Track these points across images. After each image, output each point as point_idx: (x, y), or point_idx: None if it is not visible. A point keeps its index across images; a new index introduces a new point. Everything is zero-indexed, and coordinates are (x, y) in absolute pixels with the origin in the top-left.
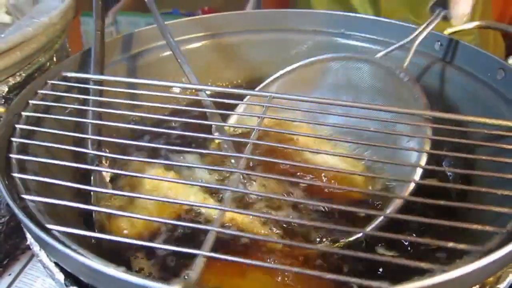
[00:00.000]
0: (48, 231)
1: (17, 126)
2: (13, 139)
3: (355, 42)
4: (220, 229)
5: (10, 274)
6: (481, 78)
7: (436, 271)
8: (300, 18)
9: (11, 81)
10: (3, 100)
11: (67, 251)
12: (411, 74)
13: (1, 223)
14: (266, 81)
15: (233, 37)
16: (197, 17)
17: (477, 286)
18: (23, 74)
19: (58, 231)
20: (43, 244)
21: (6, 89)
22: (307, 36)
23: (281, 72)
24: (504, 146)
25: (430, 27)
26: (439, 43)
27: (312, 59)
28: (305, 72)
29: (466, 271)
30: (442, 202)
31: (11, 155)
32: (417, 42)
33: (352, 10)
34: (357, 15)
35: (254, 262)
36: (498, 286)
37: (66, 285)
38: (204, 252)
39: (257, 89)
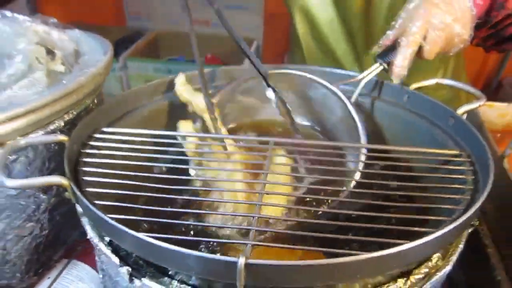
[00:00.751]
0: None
1: (82, 151)
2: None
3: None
4: (258, 228)
5: (49, 278)
6: (437, 123)
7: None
8: None
9: (66, 117)
10: (59, 131)
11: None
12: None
13: (42, 235)
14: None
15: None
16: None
17: (422, 274)
18: (74, 112)
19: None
20: (106, 229)
21: (63, 123)
22: None
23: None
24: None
25: (374, 73)
26: (407, 95)
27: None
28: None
29: (431, 238)
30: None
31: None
32: (363, 82)
33: (341, 67)
34: (343, 72)
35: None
36: (436, 273)
37: (121, 266)
38: (252, 242)
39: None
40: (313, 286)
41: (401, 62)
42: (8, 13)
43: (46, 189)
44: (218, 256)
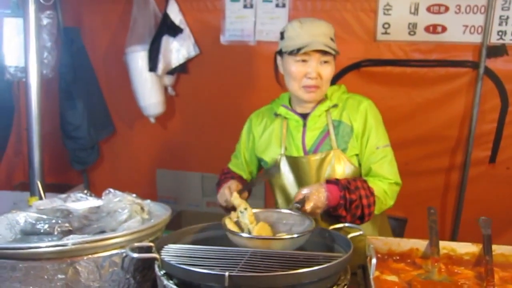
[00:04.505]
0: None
1: (160, 251)
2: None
3: None
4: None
5: None
6: (339, 244)
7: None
8: None
9: (151, 238)
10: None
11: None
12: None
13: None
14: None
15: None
16: None
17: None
18: (155, 236)
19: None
20: (171, 269)
21: (149, 240)
22: None
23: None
24: None
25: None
26: (327, 233)
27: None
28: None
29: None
30: None
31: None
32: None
33: None
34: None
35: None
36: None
37: None
38: (227, 273)
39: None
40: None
41: (308, 207)
42: (111, 190)
43: (134, 276)
44: (219, 272)
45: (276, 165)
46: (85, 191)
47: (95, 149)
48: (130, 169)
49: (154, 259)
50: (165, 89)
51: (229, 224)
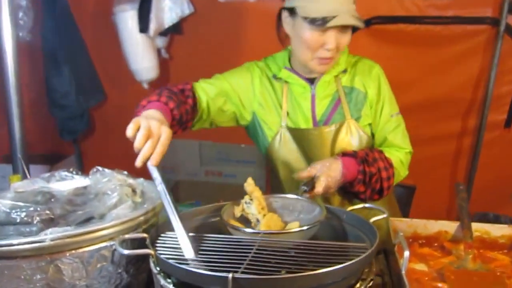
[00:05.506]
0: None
1: (155, 241)
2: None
3: None
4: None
5: None
6: (359, 227)
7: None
8: None
9: (144, 226)
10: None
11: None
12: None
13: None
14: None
15: None
16: None
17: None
18: (149, 224)
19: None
20: (169, 268)
21: (142, 229)
22: None
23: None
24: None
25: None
26: (345, 215)
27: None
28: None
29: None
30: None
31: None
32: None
33: None
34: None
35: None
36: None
37: None
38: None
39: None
40: None
41: (320, 189)
42: (100, 168)
43: (127, 270)
44: (222, 274)
45: None
46: (71, 169)
47: (84, 117)
48: (124, 138)
49: (149, 254)
50: (158, 51)
51: (231, 219)
